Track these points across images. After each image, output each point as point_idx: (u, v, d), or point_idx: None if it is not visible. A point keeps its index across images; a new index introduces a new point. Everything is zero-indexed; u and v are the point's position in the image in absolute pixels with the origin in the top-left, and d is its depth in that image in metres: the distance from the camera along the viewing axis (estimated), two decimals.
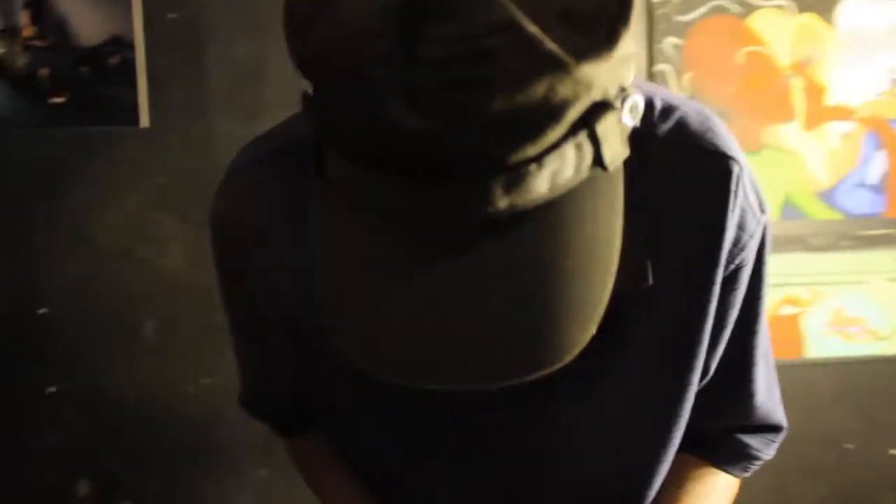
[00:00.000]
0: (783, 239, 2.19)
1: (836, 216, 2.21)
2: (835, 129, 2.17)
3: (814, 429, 2.31)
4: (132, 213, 2.05)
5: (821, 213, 2.20)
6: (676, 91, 2.09)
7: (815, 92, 2.15)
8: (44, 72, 2.03)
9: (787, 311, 2.23)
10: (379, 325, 0.44)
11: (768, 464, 2.28)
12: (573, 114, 0.43)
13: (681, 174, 0.65)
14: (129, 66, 2.05)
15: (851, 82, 2.16)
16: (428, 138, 0.39)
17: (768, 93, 2.13)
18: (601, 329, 0.64)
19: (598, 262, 0.45)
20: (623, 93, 0.46)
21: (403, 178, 0.42)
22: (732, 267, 0.69)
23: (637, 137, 0.64)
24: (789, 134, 2.15)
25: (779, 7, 2.10)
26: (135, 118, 2.05)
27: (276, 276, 0.69)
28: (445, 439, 0.73)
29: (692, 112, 0.68)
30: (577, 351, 0.45)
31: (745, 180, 0.68)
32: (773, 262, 2.10)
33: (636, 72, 0.54)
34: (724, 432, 0.81)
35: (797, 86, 2.14)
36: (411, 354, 0.43)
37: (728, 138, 0.68)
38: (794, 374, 2.27)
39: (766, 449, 0.84)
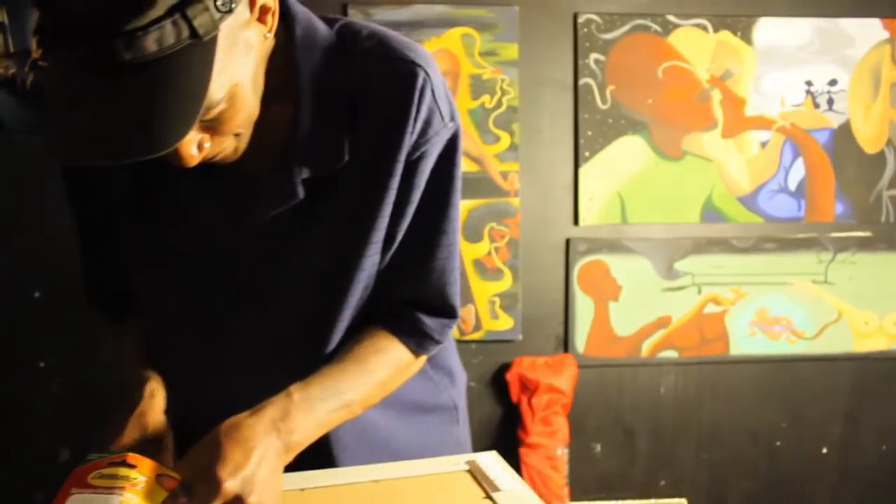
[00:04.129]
0: (705, 241, 2.32)
1: (757, 220, 2.33)
2: (754, 138, 2.31)
3: (743, 425, 2.39)
4: None
5: (742, 216, 2.32)
6: (599, 104, 2.28)
7: (734, 103, 2.30)
8: None
9: (712, 309, 2.34)
10: (62, 129, 0.67)
11: (704, 459, 2.37)
12: (166, 2, 0.65)
13: (378, 76, 0.86)
14: None
15: (769, 94, 2.30)
16: (70, 13, 0.64)
17: (688, 104, 2.30)
18: (309, 194, 0.85)
19: (189, 97, 0.67)
20: None
21: (68, 39, 0.65)
22: (417, 154, 0.87)
23: (344, 52, 0.87)
24: (709, 142, 2.30)
25: (697, 26, 2.28)
26: None
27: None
28: (203, 294, 0.95)
29: (396, 37, 0.89)
30: (167, 149, 0.67)
31: (434, 87, 0.87)
32: (695, 263, 2.22)
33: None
34: (406, 307, 0.96)
35: (716, 97, 2.30)
36: (76, 146, 0.67)
37: (423, 56, 0.88)
38: (721, 371, 2.38)
39: (440, 330, 0.97)
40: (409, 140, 0.86)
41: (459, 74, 2.26)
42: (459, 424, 1.17)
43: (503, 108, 2.27)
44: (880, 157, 2.33)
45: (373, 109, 0.86)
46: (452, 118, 0.91)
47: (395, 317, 0.96)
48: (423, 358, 1.01)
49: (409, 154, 0.87)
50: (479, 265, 2.29)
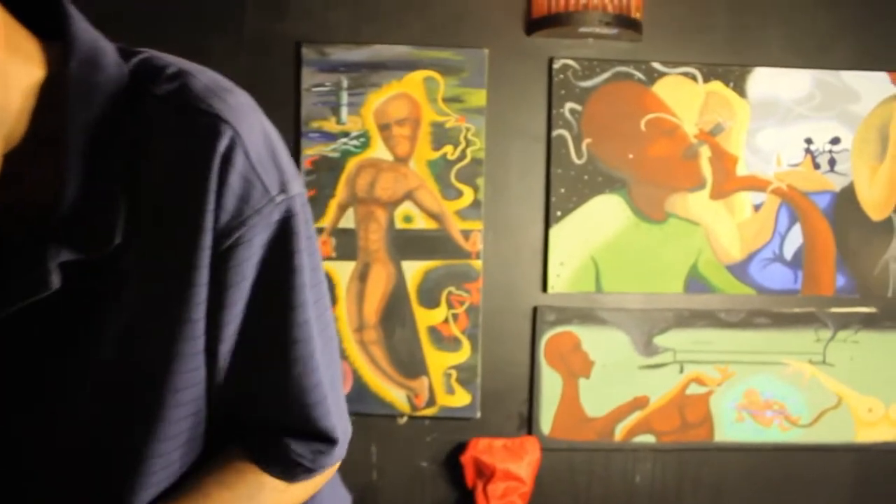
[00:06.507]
0: (689, 313, 2.08)
1: (748, 291, 2.08)
2: (746, 200, 2.07)
3: None
4: None
5: (731, 287, 2.08)
6: (573, 158, 2.05)
7: (724, 161, 2.07)
8: None
9: (695, 390, 2.09)
10: None
11: None
12: None
13: (171, 133, 0.64)
14: None
15: (764, 152, 2.07)
16: None
17: (673, 161, 2.07)
18: (79, 284, 0.62)
19: None
20: None
21: None
22: (231, 241, 0.65)
23: (136, 97, 0.64)
24: (696, 203, 2.07)
25: (686, 75, 2.06)
26: None
27: None
28: None
29: (206, 80, 0.67)
30: None
31: (248, 151, 0.65)
32: (677, 338, 1.99)
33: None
34: (271, 433, 0.75)
35: (705, 154, 2.07)
36: None
37: (235, 109, 0.66)
38: (704, 459, 2.12)
39: (313, 458, 0.77)
40: (211, 221, 0.64)
41: (420, 122, 2.05)
42: None
43: (467, 159, 2.06)
44: (887, 225, 2.09)
45: (159, 177, 0.63)
46: (283, 189, 0.68)
47: (256, 440, 0.75)
48: (311, 483, 0.79)
49: (218, 240, 0.65)
50: (434, 333, 2.06)
